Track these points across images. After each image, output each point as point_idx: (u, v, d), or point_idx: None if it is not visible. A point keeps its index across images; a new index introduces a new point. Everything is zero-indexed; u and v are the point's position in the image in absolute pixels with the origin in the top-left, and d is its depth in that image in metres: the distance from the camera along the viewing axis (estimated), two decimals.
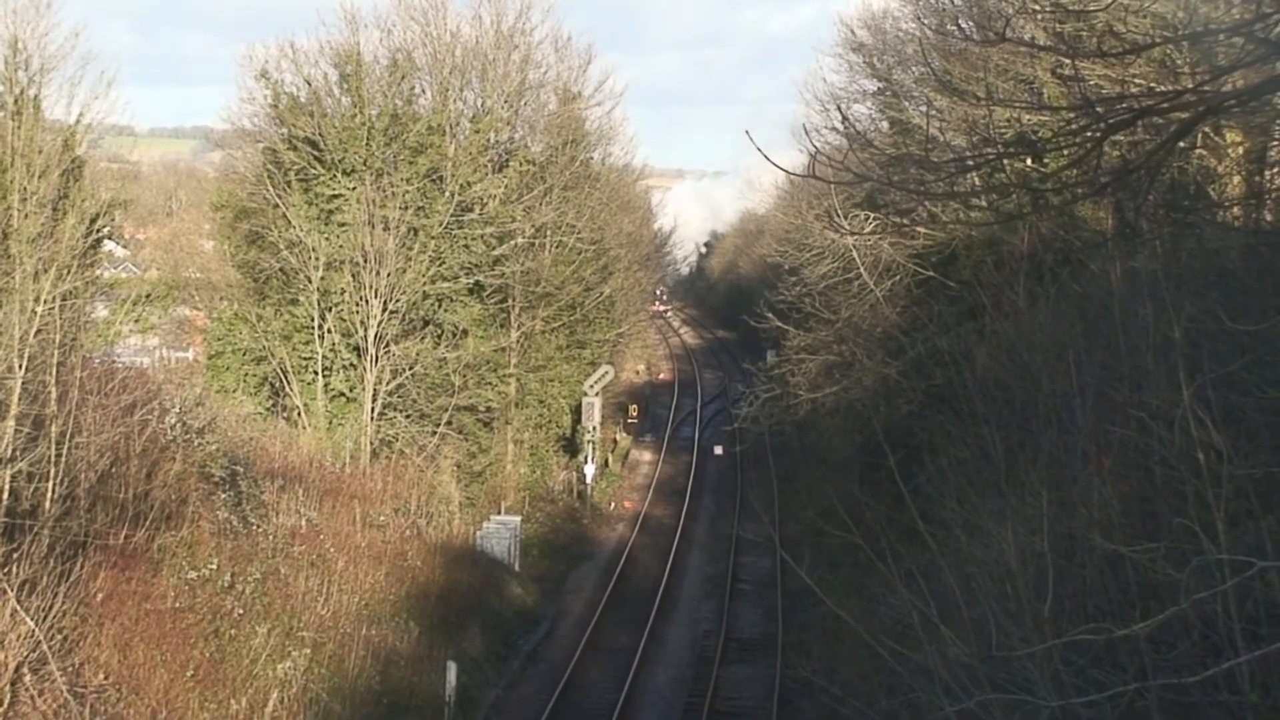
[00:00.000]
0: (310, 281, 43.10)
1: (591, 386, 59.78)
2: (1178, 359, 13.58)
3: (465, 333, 46.97)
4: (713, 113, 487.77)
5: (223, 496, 31.42)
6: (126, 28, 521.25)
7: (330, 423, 43.49)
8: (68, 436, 24.24)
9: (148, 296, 40.12)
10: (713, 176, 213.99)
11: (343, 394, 43.91)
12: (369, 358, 43.15)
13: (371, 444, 43.00)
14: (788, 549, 37.23)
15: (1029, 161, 25.69)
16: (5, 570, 21.92)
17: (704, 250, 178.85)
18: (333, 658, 29.34)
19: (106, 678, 23.16)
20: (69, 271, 25.98)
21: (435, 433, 45.05)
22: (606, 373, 61.85)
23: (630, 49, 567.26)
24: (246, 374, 44.55)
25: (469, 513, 45.89)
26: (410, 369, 43.73)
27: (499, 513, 47.81)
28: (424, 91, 52.61)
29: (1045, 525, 15.20)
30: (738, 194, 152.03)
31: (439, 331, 45.78)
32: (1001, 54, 28.37)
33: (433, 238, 44.66)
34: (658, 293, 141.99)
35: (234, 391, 43.67)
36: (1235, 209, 23.39)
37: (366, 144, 44.32)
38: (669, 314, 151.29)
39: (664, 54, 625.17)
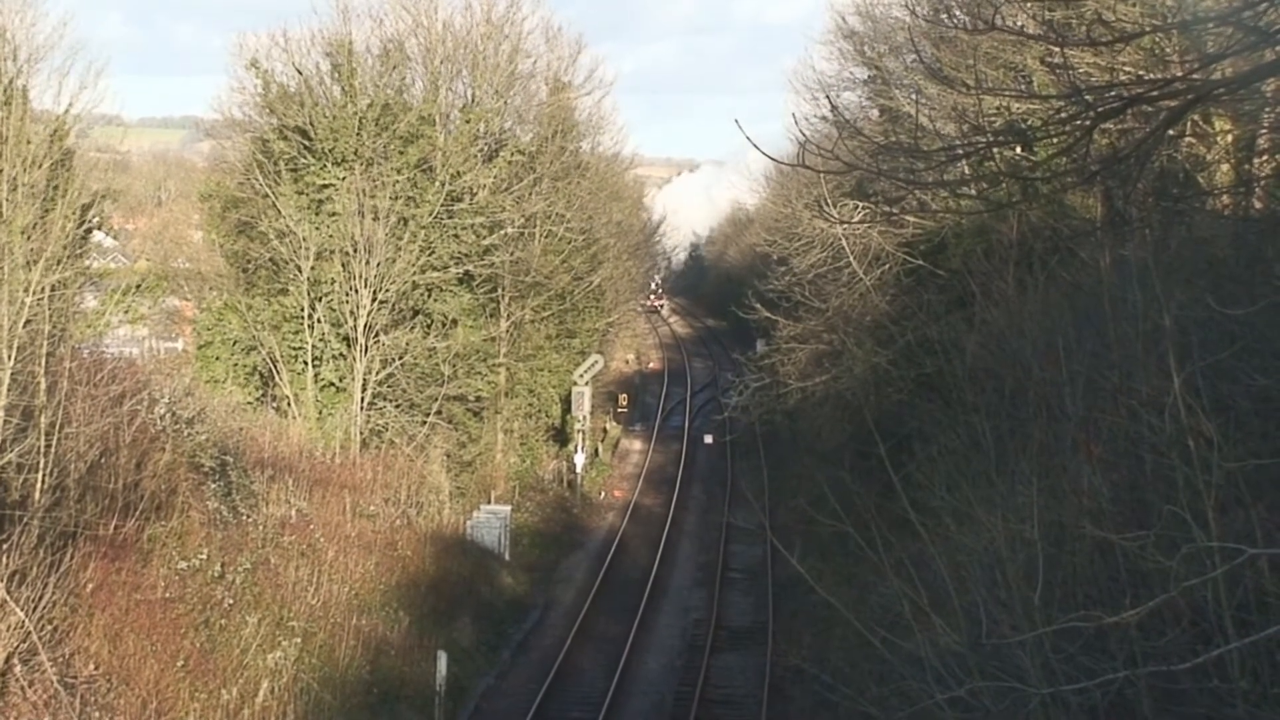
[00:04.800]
0: (300, 271, 43.05)
1: (581, 376, 59.79)
2: (1167, 347, 13.58)
3: (455, 322, 46.94)
4: (714, 102, 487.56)
5: (212, 487, 31.39)
6: (122, 19, 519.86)
7: (320, 413, 43.45)
8: (57, 427, 24.22)
9: (137, 287, 40.08)
10: (715, 166, 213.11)
11: (332, 384, 43.87)
12: (359, 347, 43.10)
13: (361, 434, 42.98)
14: (778, 537, 37.21)
15: (1018, 150, 25.64)
16: None
17: (698, 245, 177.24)
18: (323, 647, 29.35)
19: (97, 668, 23.16)
20: (59, 262, 25.95)
21: (425, 422, 44.99)
22: (596, 362, 61.87)
23: (626, 38, 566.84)
24: (236, 364, 44.52)
25: (459, 502, 45.89)
26: (400, 359, 43.70)
27: (489, 502, 47.83)
28: (415, 81, 52.67)
29: (1035, 513, 15.22)
30: (730, 185, 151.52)
31: (429, 321, 45.75)
32: (991, 42, 28.35)
33: (423, 227, 44.62)
34: (653, 285, 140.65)
35: (223, 382, 43.63)
36: (1224, 197, 23.43)
37: (357, 134, 44.25)
38: (663, 308, 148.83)
39: (660, 43, 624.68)
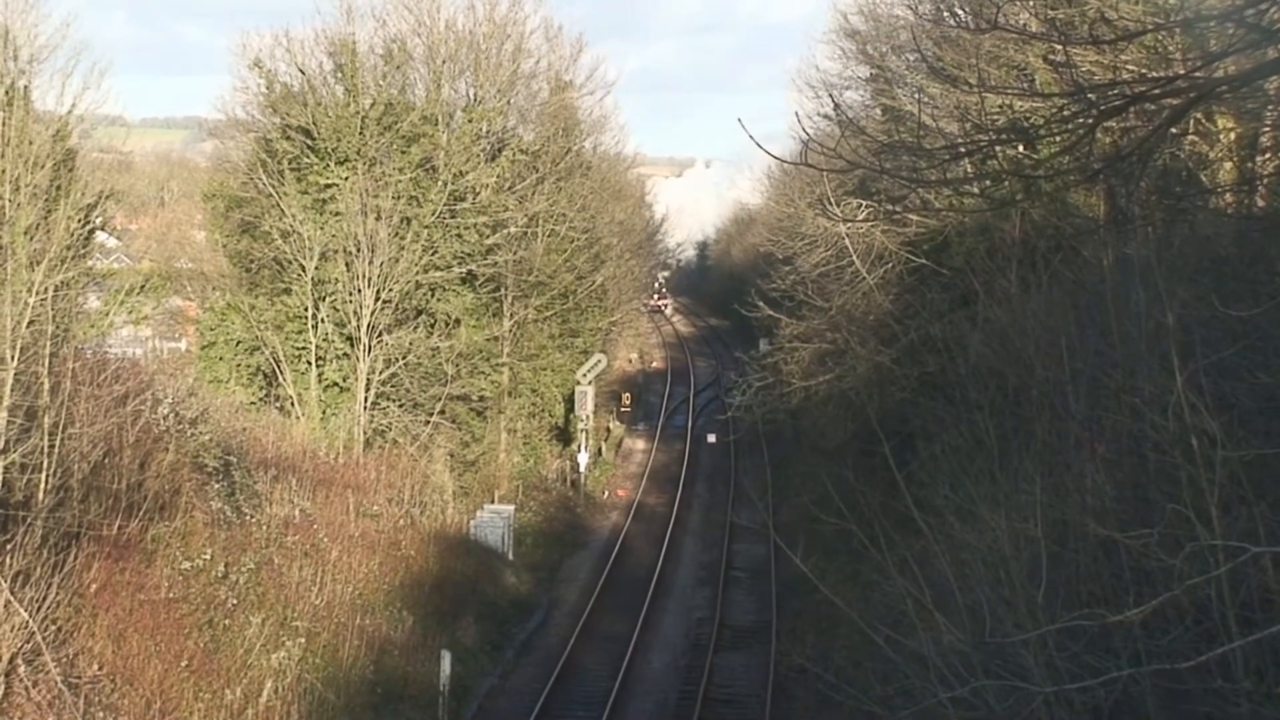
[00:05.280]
0: (304, 271, 43.07)
1: (584, 375, 59.78)
2: (1170, 345, 13.59)
3: (458, 322, 46.97)
4: (717, 101, 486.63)
5: (216, 487, 31.39)
6: (125, 18, 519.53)
7: (323, 412, 43.47)
8: (60, 427, 24.23)
9: (140, 287, 40.08)
10: (727, 164, 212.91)
11: (336, 384, 43.89)
12: (362, 347, 43.11)
13: (365, 434, 42.99)
14: (782, 536, 37.24)
15: (1021, 148, 25.64)
16: None
17: (706, 244, 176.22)
18: (327, 647, 29.34)
19: (101, 668, 23.17)
20: (62, 262, 25.97)
21: (428, 422, 45.02)
22: (599, 361, 61.84)
23: (629, 37, 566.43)
24: (239, 364, 44.51)
25: (463, 502, 45.91)
26: (403, 358, 43.70)
27: (493, 502, 47.83)
28: (417, 81, 52.69)
29: (1039, 511, 15.23)
30: (733, 184, 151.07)
31: (432, 321, 45.77)
32: (993, 41, 28.36)
33: (426, 227, 44.63)
34: (656, 284, 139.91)
35: (227, 382, 43.64)
36: (1227, 195, 23.40)
37: (360, 133, 44.29)
38: (667, 308, 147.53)
39: (663, 42, 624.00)
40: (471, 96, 54.77)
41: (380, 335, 43.44)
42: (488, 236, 49.14)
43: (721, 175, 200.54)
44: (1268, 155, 24.36)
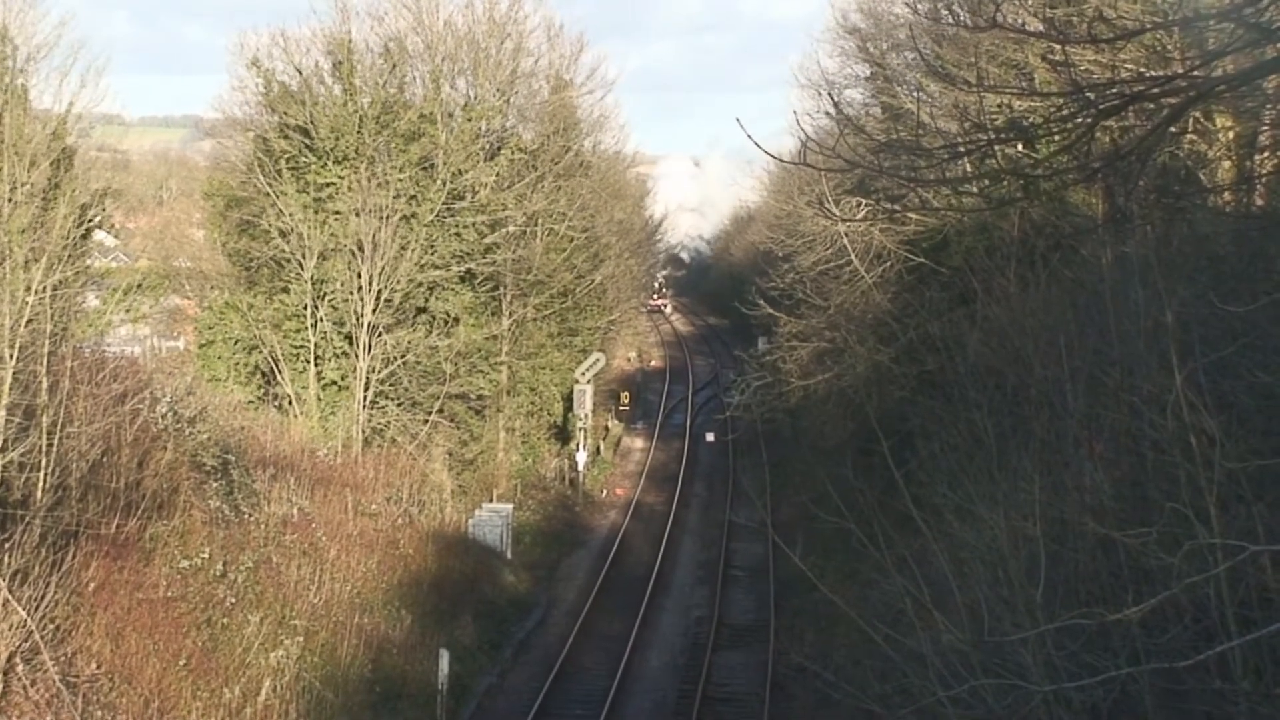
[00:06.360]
0: (303, 269, 43.05)
1: (583, 374, 59.75)
2: (1169, 343, 13.58)
3: (457, 320, 46.93)
4: (718, 99, 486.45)
5: (214, 485, 31.38)
6: (126, 18, 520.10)
7: (322, 411, 43.44)
8: (59, 426, 24.22)
9: (138, 286, 40.08)
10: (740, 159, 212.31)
11: (334, 382, 43.86)
12: (361, 345, 43.08)
13: (363, 432, 42.96)
14: (780, 534, 37.19)
15: (1020, 147, 25.66)
16: None
17: (712, 242, 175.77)
18: (325, 646, 29.34)
19: (99, 667, 23.16)
20: (60, 261, 25.95)
21: (427, 421, 44.99)
22: (598, 360, 61.80)
23: (631, 36, 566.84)
24: (238, 363, 44.48)
25: (461, 501, 45.88)
26: (402, 357, 43.67)
27: (491, 500, 47.79)
28: (415, 79, 52.66)
29: (1037, 510, 15.22)
30: (732, 179, 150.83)
31: (431, 319, 45.74)
32: (992, 39, 28.35)
33: (425, 225, 44.61)
34: (657, 284, 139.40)
35: (225, 380, 43.60)
36: (1226, 194, 23.42)
37: (358, 132, 44.25)
38: (666, 307, 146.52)
39: (664, 41, 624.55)
40: (471, 95, 54.76)
41: (379, 334, 43.41)
42: (486, 235, 49.13)
43: (724, 171, 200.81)
44: (1266, 154, 24.35)
